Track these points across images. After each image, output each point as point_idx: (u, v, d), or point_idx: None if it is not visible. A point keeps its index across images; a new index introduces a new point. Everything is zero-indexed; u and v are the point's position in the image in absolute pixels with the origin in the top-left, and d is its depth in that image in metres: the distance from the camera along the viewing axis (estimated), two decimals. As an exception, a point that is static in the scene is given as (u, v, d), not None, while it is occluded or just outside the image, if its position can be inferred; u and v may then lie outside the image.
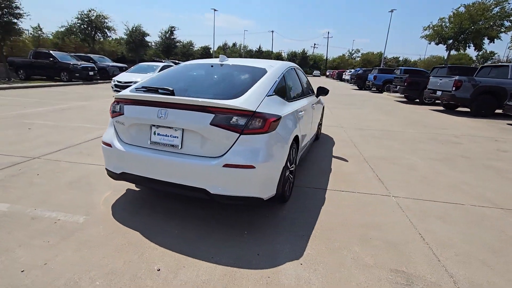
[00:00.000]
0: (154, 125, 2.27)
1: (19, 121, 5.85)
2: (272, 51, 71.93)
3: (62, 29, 22.47)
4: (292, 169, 2.91)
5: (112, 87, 11.04)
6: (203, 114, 2.10)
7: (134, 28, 26.87)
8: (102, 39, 24.11)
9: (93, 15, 22.04)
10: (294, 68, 3.62)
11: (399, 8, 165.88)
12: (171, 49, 32.80)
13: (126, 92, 2.45)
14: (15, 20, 15.47)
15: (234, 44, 75.29)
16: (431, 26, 18.78)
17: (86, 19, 21.91)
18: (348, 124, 7.21)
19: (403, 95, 14.45)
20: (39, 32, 27.15)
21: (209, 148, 2.13)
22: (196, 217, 2.48)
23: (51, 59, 15.97)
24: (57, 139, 4.64)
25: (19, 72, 16.61)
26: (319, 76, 60.78)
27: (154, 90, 2.34)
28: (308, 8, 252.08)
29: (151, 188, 2.88)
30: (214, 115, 2.08)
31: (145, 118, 2.27)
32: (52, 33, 26.39)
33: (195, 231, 2.28)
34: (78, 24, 22.06)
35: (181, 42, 34.92)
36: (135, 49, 27.62)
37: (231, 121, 2.08)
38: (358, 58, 69.96)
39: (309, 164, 4.01)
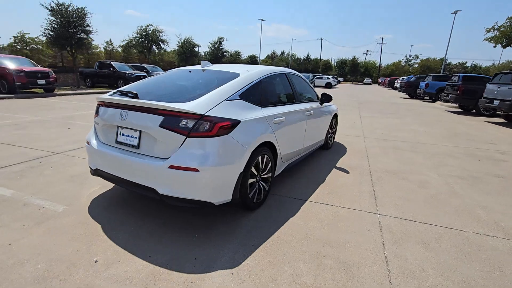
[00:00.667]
0: (119, 126, 2.43)
1: (65, 121, 6.75)
2: (320, 59, 70.64)
3: (123, 43, 25.63)
4: (266, 176, 2.82)
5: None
6: (154, 116, 2.19)
7: (185, 40, 29.16)
8: (156, 51, 26.63)
9: (150, 30, 24.59)
10: (285, 74, 3.53)
11: (464, 9, 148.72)
12: (219, 59, 34.49)
13: (103, 96, 2.67)
14: (85, 36, 18.06)
15: (282, 53, 75.93)
16: (496, 27, 16.38)
17: (144, 33, 24.52)
18: (374, 134, 6.68)
19: (457, 105, 12.86)
20: (111, 46, 31.02)
21: (160, 149, 2.20)
22: (161, 217, 2.56)
23: (111, 69, 18.09)
24: (84, 138, 5.23)
25: (87, 81, 19.17)
26: (370, 84, 57.60)
27: (125, 94, 2.51)
28: (363, 14, 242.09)
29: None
30: (163, 117, 2.16)
31: (111, 119, 2.45)
32: (120, 46, 29.98)
33: (150, 230, 2.35)
34: (137, 38, 24.80)
35: (228, 52, 36.51)
36: (186, 59, 29.79)
37: (179, 124, 2.13)
38: (416, 65, 64.43)
39: (302, 173, 3.83)
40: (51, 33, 17.02)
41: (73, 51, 18.13)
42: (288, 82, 3.54)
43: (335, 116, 5.14)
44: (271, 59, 72.22)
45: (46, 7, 16.60)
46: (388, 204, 2.97)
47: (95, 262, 1.94)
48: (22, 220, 2.42)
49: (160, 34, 24.93)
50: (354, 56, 64.76)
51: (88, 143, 2.67)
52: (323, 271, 1.91)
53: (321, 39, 71.35)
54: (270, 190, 2.98)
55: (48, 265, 1.88)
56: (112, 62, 18.55)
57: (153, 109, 2.20)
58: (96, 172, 2.63)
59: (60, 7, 16.78)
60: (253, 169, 2.55)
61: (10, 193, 2.91)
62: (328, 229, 2.45)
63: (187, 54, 29.33)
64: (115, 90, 2.78)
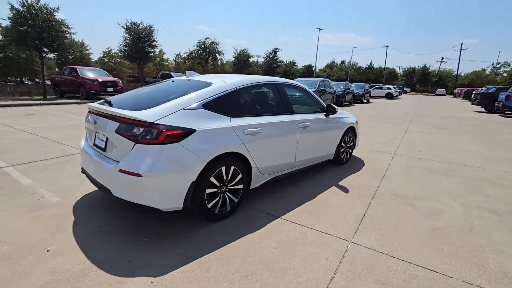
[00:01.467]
0: (96, 131, 2.68)
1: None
2: (384, 67, 65.86)
3: (184, 55, 28.33)
4: (235, 188, 2.76)
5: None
6: (113, 122, 2.36)
7: (241, 51, 30.58)
8: (213, 62, 28.54)
9: (208, 42, 26.54)
10: (275, 84, 3.41)
11: None
12: (273, 69, 35.08)
13: (90, 104, 2.98)
14: (151, 50, 20.46)
15: (343, 62, 73.16)
16: None
17: (202, 46, 26.59)
18: (410, 151, 5.91)
19: (543, 122, 10.51)
20: (179, 58, 34.46)
21: (116, 153, 2.35)
22: (130, 219, 2.70)
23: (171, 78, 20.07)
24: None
25: (151, 89, 21.59)
26: (443, 95, 51.35)
27: (108, 102, 2.76)
28: (437, 18, 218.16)
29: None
30: (119, 123, 2.31)
31: (91, 124, 2.72)
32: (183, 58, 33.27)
33: (110, 229, 2.51)
34: (196, 50, 27.02)
35: (283, 62, 36.85)
36: (240, 69, 31.13)
37: (131, 131, 2.25)
38: (506, 74, 54.94)
39: (294, 187, 3.61)
40: (125, 48, 19.76)
41: (141, 63, 20.68)
42: (278, 92, 3.41)
43: (351, 129, 4.72)
44: (330, 68, 70.27)
45: (122, 26, 19.37)
46: (371, 232, 2.59)
47: (47, 251, 2.15)
48: (22, 207, 2.84)
49: (217, 46, 26.72)
50: (425, 65, 58.55)
51: (79, 145, 3.01)
52: (241, 296, 1.77)
53: (386, 46, 66.54)
54: (241, 202, 2.90)
55: (12, 248, 2.17)
56: (171, 72, 20.50)
57: (114, 116, 2.38)
58: (82, 170, 2.93)
59: (133, 26, 19.39)
60: (213, 180, 2.52)
61: (27, 183, 3.44)
62: (280, 251, 2.26)
63: (242, 64, 30.66)
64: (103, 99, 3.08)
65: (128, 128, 2.26)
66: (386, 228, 2.69)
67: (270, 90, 3.40)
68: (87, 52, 36.50)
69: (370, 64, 65.32)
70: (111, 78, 15.05)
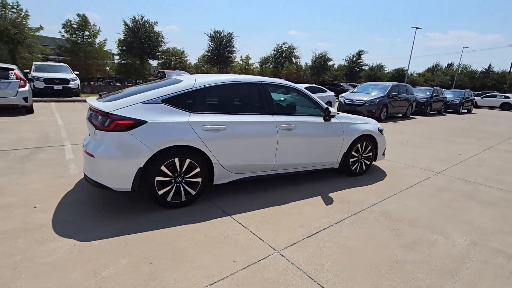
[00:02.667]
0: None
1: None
2: (509, 71, 52.74)
3: (259, 60, 29.57)
4: (193, 180, 2.90)
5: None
6: (90, 111, 2.84)
7: (319, 55, 29.80)
8: (288, 66, 28.78)
9: (285, 47, 27.01)
10: (258, 84, 3.36)
11: None
12: (355, 73, 32.88)
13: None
14: (230, 55, 22.25)
15: (450, 65, 62.18)
16: None
17: (279, 50, 27.20)
18: (463, 172, 4.76)
19: None
20: (248, 62, 36.38)
21: (89, 137, 2.83)
22: (115, 194, 3.17)
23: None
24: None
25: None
26: None
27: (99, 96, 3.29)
28: None
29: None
30: (91, 112, 2.77)
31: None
32: (258, 62, 34.79)
33: (90, 200, 3.01)
34: (273, 55, 27.83)
35: (367, 65, 34.09)
36: (317, 73, 30.41)
37: (96, 119, 2.67)
38: None
39: (269, 190, 3.46)
40: (208, 54, 22.13)
41: (221, 67, 22.75)
42: (259, 92, 3.35)
43: (368, 137, 4.17)
44: (431, 73, 60.88)
45: (207, 35, 21.76)
46: (311, 248, 2.32)
47: (34, 207, 2.78)
48: (50, 174, 3.68)
49: (294, 50, 26.88)
50: None
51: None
52: (133, 276, 1.92)
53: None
54: (200, 195, 3.02)
55: (14, 199, 2.88)
56: (166, 72, 21.73)
57: (90, 107, 2.87)
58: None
59: (216, 34, 21.55)
60: (164, 169, 2.73)
61: (68, 158, 4.40)
62: (199, 245, 2.29)
63: (319, 68, 29.88)
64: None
65: (94, 117, 2.70)
66: (335, 248, 2.35)
67: (249, 90, 3.38)
68: (186, 58, 42.28)
69: (489, 67, 53.48)
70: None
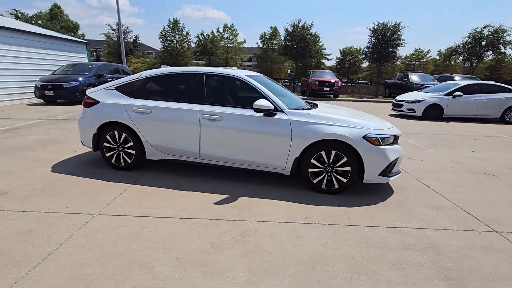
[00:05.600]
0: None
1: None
2: None
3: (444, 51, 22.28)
4: (128, 151, 3.69)
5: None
6: (93, 95, 4.26)
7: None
8: (490, 57, 20.15)
9: (488, 31, 19.22)
10: (197, 74, 3.49)
11: None
12: None
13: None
14: (393, 50, 19.20)
15: None
16: None
17: (477, 37, 19.77)
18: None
19: None
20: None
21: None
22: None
23: (405, 80, 17.93)
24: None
25: (386, 91, 20.59)
26: None
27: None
28: None
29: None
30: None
31: None
32: (441, 54, 26.92)
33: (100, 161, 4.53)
34: (466, 43, 20.59)
35: None
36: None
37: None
38: None
39: (203, 180, 3.52)
40: (368, 50, 20.27)
41: (381, 64, 20.17)
42: (196, 82, 3.48)
43: (344, 145, 3.06)
44: None
45: (369, 29, 19.91)
46: (125, 206, 2.49)
47: (74, 151, 4.62)
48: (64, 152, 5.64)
49: (504, 34, 18.62)
50: None
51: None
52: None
53: None
54: (135, 164, 3.72)
55: (41, 155, 4.87)
56: (409, 73, 18.21)
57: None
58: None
59: (379, 26, 19.31)
60: (108, 138, 3.70)
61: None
62: (53, 198, 3.09)
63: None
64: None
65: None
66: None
67: (185, 79, 3.57)
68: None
69: None
70: (329, 79, 16.76)
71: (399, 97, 10.97)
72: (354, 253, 2.18)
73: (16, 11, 31.78)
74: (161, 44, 31.51)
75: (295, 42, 18.63)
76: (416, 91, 12.13)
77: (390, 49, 19.42)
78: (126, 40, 30.63)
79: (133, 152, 3.67)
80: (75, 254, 2.05)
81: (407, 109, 10.14)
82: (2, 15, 19.81)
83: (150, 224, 2.49)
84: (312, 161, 3.18)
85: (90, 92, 3.91)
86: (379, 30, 19.28)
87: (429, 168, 4.33)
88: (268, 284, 1.83)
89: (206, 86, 3.48)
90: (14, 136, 5.52)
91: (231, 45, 33.85)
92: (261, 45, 35.77)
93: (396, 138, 3.46)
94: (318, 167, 3.20)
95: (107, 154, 3.79)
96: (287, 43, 19.46)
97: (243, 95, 3.50)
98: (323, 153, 3.14)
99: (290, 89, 22.59)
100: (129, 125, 3.57)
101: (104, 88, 3.85)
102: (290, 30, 19.12)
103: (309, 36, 18.90)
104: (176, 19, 30.49)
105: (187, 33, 31.00)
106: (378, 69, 20.91)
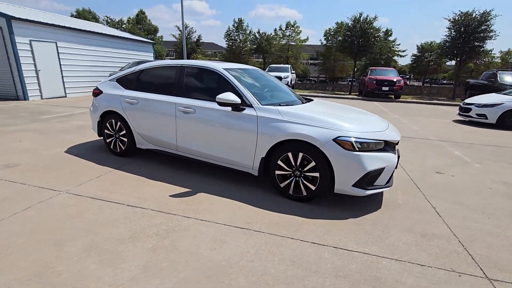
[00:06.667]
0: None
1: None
2: None
3: None
4: (122, 139, 3.98)
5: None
6: (111, 86, 4.70)
7: None
8: None
9: None
10: (178, 67, 3.52)
11: None
12: None
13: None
14: (479, 44, 16.00)
15: None
16: None
17: None
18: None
19: None
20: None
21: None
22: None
23: (492, 80, 14.85)
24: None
25: (466, 93, 17.41)
26: None
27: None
28: None
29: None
30: (106, 86, 4.61)
31: None
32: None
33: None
34: None
35: None
36: None
37: (97, 90, 4.48)
38: None
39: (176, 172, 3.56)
40: (447, 43, 17.37)
41: (462, 60, 17.07)
42: (175, 75, 3.51)
43: (311, 147, 2.70)
44: None
45: (448, 20, 17.02)
46: (93, 190, 2.70)
47: (19, 141, 5.22)
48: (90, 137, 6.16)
49: None
50: None
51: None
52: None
53: None
54: (128, 150, 3.96)
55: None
56: (498, 71, 15.02)
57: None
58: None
59: (462, 16, 16.35)
60: (108, 125, 4.05)
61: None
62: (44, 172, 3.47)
63: None
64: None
65: (96, 89, 4.51)
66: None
67: (169, 72, 3.61)
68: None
69: None
70: (389, 78, 14.96)
71: (468, 100, 9.14)
72: (268, 270, 1.89)
73: (107, 17, 37.65)
74: (226, 43, 33.11)
75: (355, 37, 17.20)
76: (494, 93, 9.90)
77: (476, 43, 16.27)
78: (190, 40, 33.16)
79: (125, 139, 3.95)
80: (16, 224, 2.31)
81: (477, 114, 8.33)
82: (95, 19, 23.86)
83: (97, 207, 2.63)
84: (279, 162, 2.89)
85: (99, 84, 4.34)
86: (461, 20, 16.34)
87: (455, 186, 3.48)
88: (150, 284, 1.73)
89: (185, 78, 3.50)
90: (65, 121, 6.54)
91: (293, 43, 33.40)
92: (324, 42, 34.33)
93: (389, 144, 2.88)
94: (286, 170, 2.89)
95: (107, 140, 4.16)
96: (347, 38, 18.11)
97: (217, 88, 3.38)
98: (289, 154, 2.82)
99: (347, 88, 21.16)
100: (121, 115, 3.84)
101: (109, 80, 4.23)
102: (350, 24, 17.76)
103: (371, 30, 17.20)
104: (241, 18, 31.56)
105: (250, 32, 31.79)
106: (458, 67, 17.77)
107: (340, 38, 32.00)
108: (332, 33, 33.56)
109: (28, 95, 9.95)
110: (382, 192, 3.20)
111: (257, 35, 31.22)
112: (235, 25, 31.87)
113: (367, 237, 2.34)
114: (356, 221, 2.59)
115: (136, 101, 3.73)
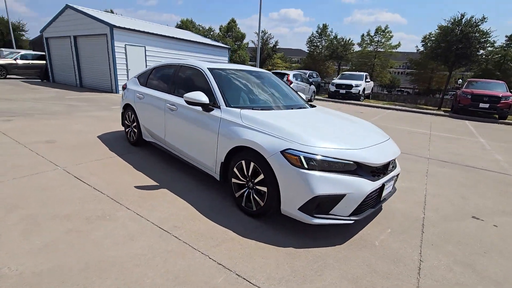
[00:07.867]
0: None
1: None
2: None
3: None
4: (135, 130, 4.40)
5: None
6: (143, 83, 5.25)
7: None
8: None
9: None
10: (176, 66, 3.66)
11: None
12: None
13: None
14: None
15: None
16: None
17: None
18: None
19: None
20: None
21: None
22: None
23: None
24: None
25: None
26: None
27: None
28: None
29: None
30: (138, 83, 5.17)
31: None
32: None
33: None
34: None
35: None
36: None
37: (131, 86, 5.04)
38: None
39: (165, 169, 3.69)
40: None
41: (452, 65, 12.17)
42: (173, 73, 3.65)
43: (259, 156, 2.40)
44: None
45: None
46: (90, 175, 3.12)
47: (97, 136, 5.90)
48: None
49: None
50: None
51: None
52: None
53: None
54: (139, 139, 4.32)
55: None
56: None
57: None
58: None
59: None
60: (127, 116, 4.54)
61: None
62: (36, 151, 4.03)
63: None
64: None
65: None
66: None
67: (169, 71, 3.75)
68: None
69: None
70: (494, 92, 11.84)
71: None
72: (143, 279, 1.75)
73: (200, 25, 42.20)
74: (307, 49, 32.73)
75: (452, 42, 14.21)
76: None
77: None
78: (267, 46, 34.05)
79: (136, 131, 4.34)
80: (7, 187, 2.81)
81: None
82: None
83: (70, 186, 2.96)
84: (235, 170, 2.66)
85: (127, 81, 4.90)
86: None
87: (483, 241, 2.51)
88: (34, 261, 1.84)
89: (177, 77, 3.61)
90: (126, 112, 7.66)
91: (381, 49, 30.40)
92: (421, 49, 29.90)
93: (367, 168, 2.30)
94: (241, 180, 2.64)
95: (126, 130, 4.66)
96: (441, 44, 15.22)
97: (198, 87, 3.35)
98: (243, 162, 2.56)
99: (441, 101, 17.70)
100: (133, 107, 4.24)
101: (134, 77, 4.72)
102: (448, 27, 14.84)
103: (476, 34, 13.95)
104: (325, 24, 30.73)
105: (335, 37, 30.51)
106: (450, 72, 12.81)
107: (431, 43, 27.53)
108: (432, 38, 29.07)
109: (118, 89, 12.08)
110: (364, 224, 2.57)
111: (334, 41, 29.76)
112: (319, 30, 31.20)
113: (288, 273, 1.90)
114: (295, 251, 2.14)
115: (142, 96, 4.06)
